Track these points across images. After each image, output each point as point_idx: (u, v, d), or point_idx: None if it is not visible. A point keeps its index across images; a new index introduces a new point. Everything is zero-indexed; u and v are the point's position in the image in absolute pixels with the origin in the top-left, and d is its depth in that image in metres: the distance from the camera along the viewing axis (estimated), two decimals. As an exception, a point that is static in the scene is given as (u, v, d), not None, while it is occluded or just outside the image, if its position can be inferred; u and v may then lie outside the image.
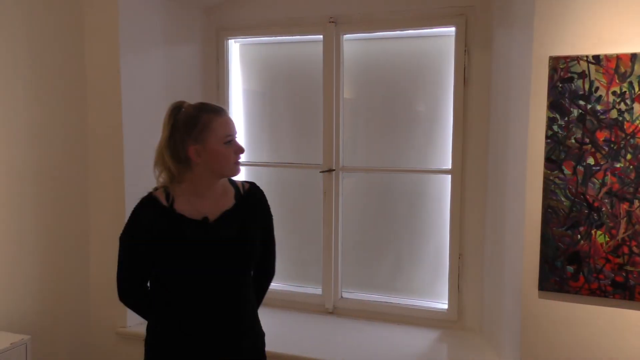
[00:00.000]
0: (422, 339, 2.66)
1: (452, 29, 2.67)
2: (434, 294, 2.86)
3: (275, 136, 3.12)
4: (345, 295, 2.97)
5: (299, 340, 2.62)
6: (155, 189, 1.71)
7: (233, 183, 1.79)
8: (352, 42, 2.90)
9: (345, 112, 2.92)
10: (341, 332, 2.74)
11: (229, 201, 1.73)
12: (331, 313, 2.95)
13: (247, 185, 1.80)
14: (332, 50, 2.85)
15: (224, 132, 1.64)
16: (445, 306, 2.78)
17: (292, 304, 3.01)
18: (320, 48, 2.89)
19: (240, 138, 3.14)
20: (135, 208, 1.69)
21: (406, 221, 2.90)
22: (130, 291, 1.74)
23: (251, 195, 1.78)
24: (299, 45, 3.04)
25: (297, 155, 3.08)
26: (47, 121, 2.54)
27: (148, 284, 1.76)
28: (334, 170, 2.90)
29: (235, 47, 3.13)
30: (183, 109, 1.67)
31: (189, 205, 1.67)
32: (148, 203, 1.68)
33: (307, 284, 3.07)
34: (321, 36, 2.88)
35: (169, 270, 1.65)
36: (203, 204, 1.69)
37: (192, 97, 2.87)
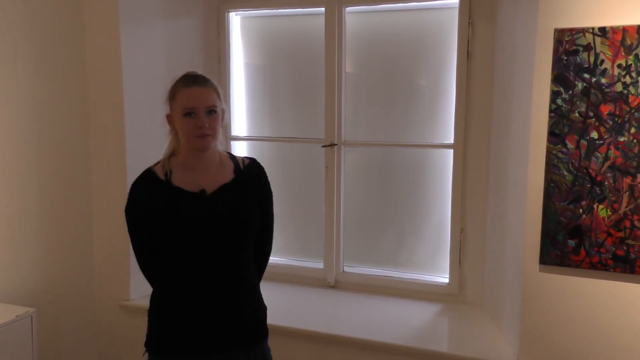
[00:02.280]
0: (423, 312, 2.69)
1: (456, 1, 2.63)
2: (435, 268, 2.88)
3: (277, 110, 3.10)
4: (346, 269, 2.99)
5: (300, 314, 2.65)
6: (155, 163, 1.72)
7: (233, 158, 1.78)
8: (354, 14, 2.86)
9: (347, 86, 2.89)
10: (342, 305, 2.77)
11: (227, 175, 1.72)
12: (333, 287, 2.97)
13: (247, 161, 1.79)
14: (334, 23, 2.81)
15: (183, 104, 1.61)
16: (447, 280, 2.80)
17: (294, 277, 3.04)
18: (322, 21, 2.86)
19: (240, 112, 3.13)
20: (133, 182, 1.70)
21: (408, 195, 2.90)
22: (143, 263, 1.77)
23: (250, 170, 1.77)
24: (301, 18, 3.00)
25: (298, 129, 3.06)
26: (48, 96, 2.53)
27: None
28: (336, 144, 2.89)
29: (236, 20, 3.09)
30: None
31: (185, 178, 1.67)
32: (145, 177, 1.69)
33: (309, 258, 3.09)
34: (323, 8, 2.84)
35: (167, 242, 1.66)
36: (200, 177, 1.68)
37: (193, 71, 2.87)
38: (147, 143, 2.75)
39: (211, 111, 1.63)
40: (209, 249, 1.65)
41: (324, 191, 2.95)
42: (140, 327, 2.67)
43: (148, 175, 1.69)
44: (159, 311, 1.71)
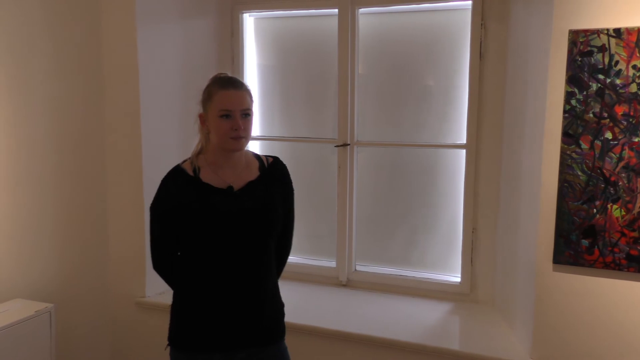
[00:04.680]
0: (434, 311, 2.70)
1: (469, 2, 2.65)
2: (447, 267, 2.90)
3: (289, 110, 3.13)
4: (359, 268, 3.01)
5: (313, 312, 2.67)
6: (183, 161, 1.75)
7: (257, 157, 1.83)
8: (366, 15, 2.88)
9: (360, 86, 2.91)
10: (355, 303, 2.79)
11: (253, 173, 1.77)
12: (345, 285, 2.99)
13: (270, 159, 1.84)
14: (347, 24, 2.84)
15: (220, 105, 1.66)
16: (458, 279, 2.82)
17: (306, 276, 3.06)
18: (335, 22, 2.88)
19: (255, 113, 3.15)
20: (163, 179, 1.73)
21: (420, 195, 2.92)
22: (163, 261, 1.78)
23: (275, 168, 1.82)
24: (313, 19, 3.03)
25: (310, 129, 3.09)
26: (65, 96, 2.57)
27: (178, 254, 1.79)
28: (349, 144, 2.91)
29: (249, 21, 3.12)
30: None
31: (214, 175, 1.71)
32: (175, 173, 1.72)
33: (321, 257, 3.11)
34: (336, 10, 2.86)
35: (194, 237, 1.69)
36: (227, 174, 1.73)
37: (207, 71, 2.90)
38: (162, 141, 2.79)
39: (246, 114, 1.69)
40: (235, 244, 1.68)
41: (337, 190, 2.97)
42: (155, 324, 2.73)
43: (177, 172, 1.72)
44: (183, 306, 1.74)
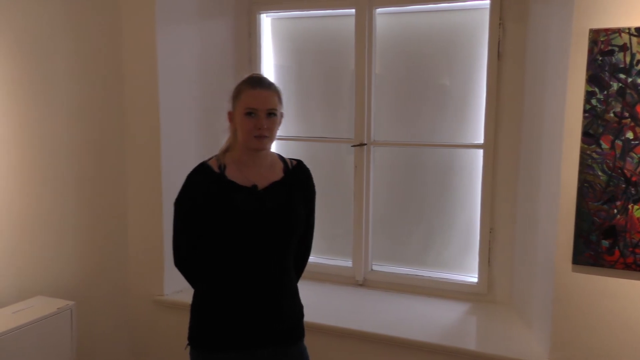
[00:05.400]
0: (451, 311, 2.70)
1: (487, 2, 2.64)
2: (464, 267, 2.89)
3: (305, 110, 3.14)
4: (375, 268, 3.02)
5: (330, 311, 2.68)
6: (209, 158, 1.77)
7: (282, 158, 1.85)
8: (383, 15, 2.88)
9: (377, 86, 2.92)
10: (371, 303, 2.80)
11: (277, 174, 1.79)
12: (361, 285, 3.00)
13: (294, 162, 1.86)
14: (364, 24, 2.84)
15: (246, 103, 1.69)
16: (475, 279, 2.81)
17: (323, 275, 3.07)
18: (351, 22, 2.89)
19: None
20: (188, 175, 1.75)
21: (436, 195, 2.92)
22: (184, 257, 1.79)
23: (298, 170, 1.84)
24: (330, 19, 3.04)
25: (325, 129, 3.10)
26: (86, 96, 2.61)
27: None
28: (366, 144, 2.92)
29: (266, 22, 3.14)
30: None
31: (239, 173, 1.73)
32: (201, 170, 1.74)
33: (338, 256, 3.12)
34: (353, 10, 2.87)
35: (217, 234, 1.70)
36: (252, 173, 1.74)
37: (225, 72, 2.94)
38: (181, 141, 2.82)
39: (271, 114, 1.70)
40: (256, 243, 1.70)
41: (353, 190, 2.98)
42: (173, 322, 2.76)
43: (203, 168, 1.74)
44: (203, 304, 1.75)
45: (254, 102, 1.68)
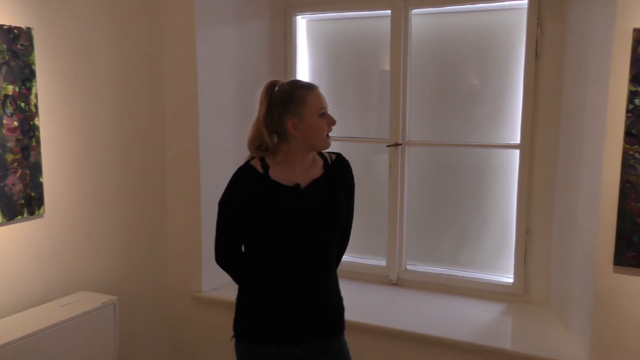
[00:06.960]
0: (486, 311, 2.70)
1: (524, 2, 2.63)
2: (498, 268, 2.88)
3: (338, 111, 3.15)
4: (409, 267, 3.03)
5: (364, 309, 2.69)
6: (252, 158, 1.81)
7: (321, 154, 1.87)
8: (419, 16, 2.89)
9: (412, 86, 2.93)
10: (405, 302, 2.81)
11: (318, 171, 1.82)
12: (395, 284, 3.01)
13: (334, 156, 1.89)
14: (399, 25, 2.86)
15: (318, 105, 1.74)
16: (511, 280, 2.80)
17: (357, 274, 3.09)
18: (386, 23, 2.91)
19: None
20: (233, 175, 1.79)
21: (470, 195, 2.92)
22: (227, 255, 1.83)
23: (338, 165, 1.87)
24: (365, 20, 3.06)
25: (359, 129, 3.13)
26: (129, 98, 2.68)
27: (243, 249, 1.85)
28: (400, 144, 2.93)
29: (302, 23, 3.17)
30: (277, 87, 1.76)
31: (282, 174, 1.77)
32: (245, 170, 1.78)
33: (372, 255, 3.14)
34: (389, 11, 2.89)
35: (261, 233, 1.74)
36: (295, 172, 1.78)
37: (261, 74, 2.98)
38: (218, 140, 2.88)
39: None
40: (300, 241, 1.73)
41: (388, 190, 2.99)
42: (211, 319, 2.82)
43: (247, 168, 1.78)
44: (250, 299, 1.79)
45: (323, 102, 1.76)
